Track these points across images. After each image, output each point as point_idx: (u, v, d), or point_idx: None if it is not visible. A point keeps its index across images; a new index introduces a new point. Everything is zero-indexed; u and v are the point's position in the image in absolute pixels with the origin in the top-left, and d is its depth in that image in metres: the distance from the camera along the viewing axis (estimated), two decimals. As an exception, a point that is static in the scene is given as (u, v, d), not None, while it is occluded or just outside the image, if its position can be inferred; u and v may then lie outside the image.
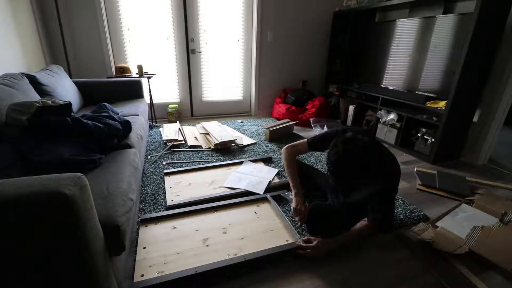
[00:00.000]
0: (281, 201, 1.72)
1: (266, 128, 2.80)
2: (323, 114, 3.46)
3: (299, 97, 3.52)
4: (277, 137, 2.83)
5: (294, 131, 3.09)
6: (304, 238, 1.35)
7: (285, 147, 1.63)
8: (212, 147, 2.55)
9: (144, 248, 1.30)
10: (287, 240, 1.37)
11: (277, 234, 1.43)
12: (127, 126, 1.70)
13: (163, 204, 1.66)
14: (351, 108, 3.30)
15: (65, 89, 2.19)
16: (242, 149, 2.57)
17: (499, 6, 2.01)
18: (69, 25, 2.78)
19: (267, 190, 1.82)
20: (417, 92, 2.59)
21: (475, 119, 2.36)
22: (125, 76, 2.84)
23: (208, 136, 2.74)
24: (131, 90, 2.75)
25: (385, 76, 2.96)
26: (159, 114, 3.41)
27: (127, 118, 1.79)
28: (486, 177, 2.14)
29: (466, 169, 2.30)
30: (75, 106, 2.24)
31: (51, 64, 2.67)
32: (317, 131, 3.05)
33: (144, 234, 1.40)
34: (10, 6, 2.13)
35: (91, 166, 1.28)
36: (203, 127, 2.95)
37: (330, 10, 3.55)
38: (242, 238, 1.38)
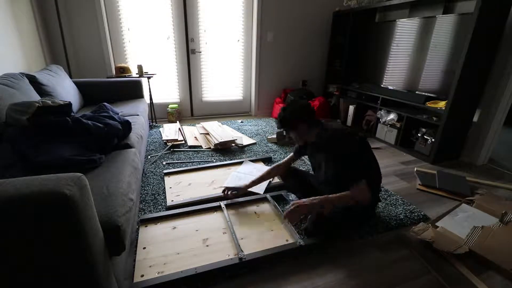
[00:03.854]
0: (281, 201, 1.72)
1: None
2: (323, 114, 3.46)
3: (299, 97, 3.52)
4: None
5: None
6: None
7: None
8: (212, 147, 2.55)
9: (144, 248, 1.30)
10: (287, 240, 1.37)
11: (277, 234, 1.43)
12: (127, 126, 1.70)
13: (163, 204, 1.66)
14: (351, 108, 3.30)
15: (65, 89, 2.19)
16: (242, 149, 2.57)
17: (499, 6, 2.01)
18: (69, 25, 2.78)
19: (267, 190, 1.82)
20: (417, 92, 2.59)
21: (475, 119, 2.36)
22: (125, 76, 2.84)
23: (208, 136, 2.74)
24: (131, 90, 2.75)
25: (385, 76, 2.96)
26: (159, 114, 3.41)
27: (127, 118, 1.78)
28: (486, 177, 2.14)
29: (466, 169, 2.30)
30: (75, 106, 2.24)
31: (51, 64, 2.67)
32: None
33: (144, 234, 1.40)
34: (10, 6, 2.13)
35: (91, 166, 1.28)
36: (203, 127, 2.95)
37: (330, 10, 3.55)
38: (242, 238, 1.38)
